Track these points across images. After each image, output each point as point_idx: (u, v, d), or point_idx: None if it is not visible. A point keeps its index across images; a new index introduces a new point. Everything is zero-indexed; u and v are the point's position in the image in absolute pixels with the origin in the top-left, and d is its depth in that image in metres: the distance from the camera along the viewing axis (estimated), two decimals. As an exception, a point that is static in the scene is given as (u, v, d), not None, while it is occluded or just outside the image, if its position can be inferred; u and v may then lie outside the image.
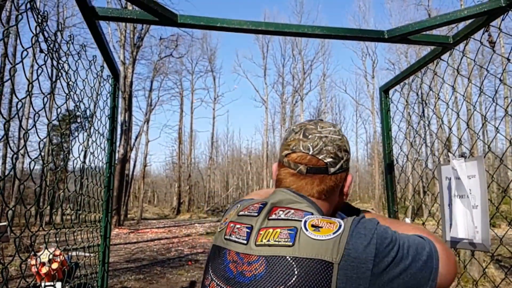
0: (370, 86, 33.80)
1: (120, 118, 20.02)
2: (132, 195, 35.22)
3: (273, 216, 0.80)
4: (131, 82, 20.78)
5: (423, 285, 0.69)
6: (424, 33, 1.57)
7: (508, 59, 1.48)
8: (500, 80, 1.41)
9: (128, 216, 27.92)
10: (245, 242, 0.78)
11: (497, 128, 1.48)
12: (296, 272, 0.68)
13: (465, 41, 1.55)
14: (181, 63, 34.49)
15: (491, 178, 1.55)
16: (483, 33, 1.47)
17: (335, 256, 0.67)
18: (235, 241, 0.81)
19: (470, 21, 1.51)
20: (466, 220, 1.45)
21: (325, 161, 0.83)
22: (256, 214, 0.83)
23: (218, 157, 47.90)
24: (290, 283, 0.67)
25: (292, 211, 0.79)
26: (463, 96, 1.47)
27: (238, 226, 0.83)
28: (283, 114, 35.45)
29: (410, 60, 27.75)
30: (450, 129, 1.50)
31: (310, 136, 0.85)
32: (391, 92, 2.12)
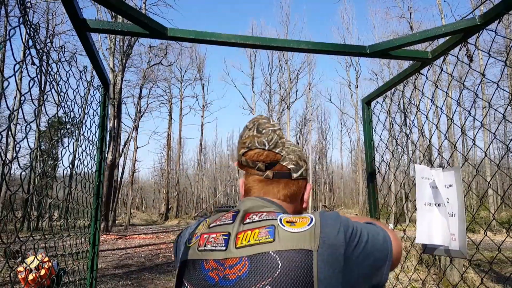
0: (354, 96, 34.51)
1: (109, 125, 19.81)
2: (120, 201, 34.82)
3: (248, 221, 0.82)
4: (120, 89, 20.65)
5: (383, 262, 0.80)
6: (404, 48, 1.63)
7: (483, 75, 1.56)
8: (476, 94, 1.48)
9: (116, 222, 27.64)
10: (223, 248, 0.78)
11: (473, 140, 1.55)
12: (280, 264, 0.71)
13: (443, 56, 1.62)
14: (170, 71, 34.57)
15: (468, 188, 1.61)
16: (460, 49, 1.54)
17: (313, 244, 0.72)
18: (212, 250, 0.80)
19: (448, 37, 1.58)
20: (443, 228, 1.50)
21: (288, 166, 0.89)
22: (231, 221, 0.83)
23: (207, 164, 47.93)
24: (276, 275, 0.71)
25: (265, 213, 0.82)
26: (441, 109, 1.54)
27: (213, 235, 0.83)
28: (270, 122, 35.75)
29: (393, 70, 28.40)
30: (429, 140, 1.56)
31: (264, 131, 0.87)
32: (373, 103, 2.18)
